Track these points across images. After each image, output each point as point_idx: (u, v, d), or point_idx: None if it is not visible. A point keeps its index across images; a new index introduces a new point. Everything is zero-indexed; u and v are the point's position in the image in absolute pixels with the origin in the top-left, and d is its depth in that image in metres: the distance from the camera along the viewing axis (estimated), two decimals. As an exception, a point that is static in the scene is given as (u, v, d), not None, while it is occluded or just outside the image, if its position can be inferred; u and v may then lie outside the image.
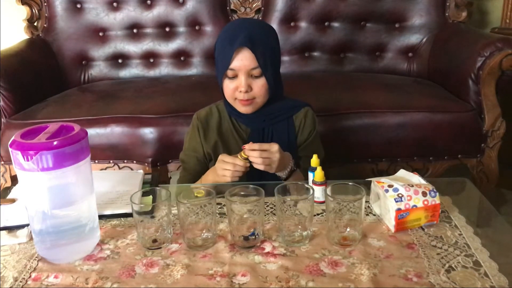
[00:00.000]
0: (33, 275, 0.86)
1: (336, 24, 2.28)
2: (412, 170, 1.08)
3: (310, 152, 1.15)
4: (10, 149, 0.83)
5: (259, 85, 1.21)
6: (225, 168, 1.14)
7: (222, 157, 1.16)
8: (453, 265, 0.85)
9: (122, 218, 1.05)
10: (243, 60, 1.18)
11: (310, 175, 1.09)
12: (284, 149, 1.20)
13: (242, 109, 1.25)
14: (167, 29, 2.35)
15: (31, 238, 0.95)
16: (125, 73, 2.39)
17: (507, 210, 1.95)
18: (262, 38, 1.20)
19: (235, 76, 1.21)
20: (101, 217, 1.01)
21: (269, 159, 1.13)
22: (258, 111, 1.26)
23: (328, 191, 0.93)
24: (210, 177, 1.23)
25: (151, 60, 2.38)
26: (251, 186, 0.95)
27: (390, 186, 0.98)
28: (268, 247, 0.92)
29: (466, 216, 1.02)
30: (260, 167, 1.13)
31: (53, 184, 0.85)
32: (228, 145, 1.31)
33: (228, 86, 1.23)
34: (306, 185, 0.96)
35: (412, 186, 0.97)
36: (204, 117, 1.33)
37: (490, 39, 1.81)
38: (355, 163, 1.82)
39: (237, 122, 1.32)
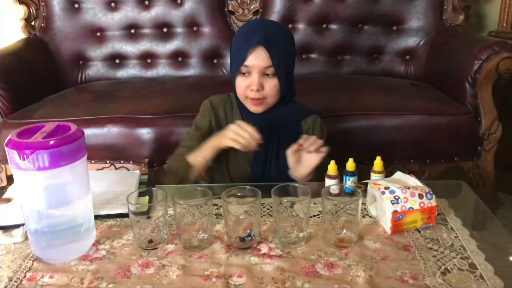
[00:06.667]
0: (28, 275, 0.86)
1: (334, 26, 2.29)
2: (409, 172, 1.08)
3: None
4: (6, 148, 0.83)
5: (271, 85, 1.22)
6: (241, 135, 1.15)
7: (240, 123, 1.18)
8: (449, 268, 0.85)
9: (118, 218, 1.05)
10: (258, 58, 1.19)
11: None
12: None
13: (253, 108, 1.26)
14: (165, 30, 2.34)
15: (26, 238, 0.95)
16: (122, 73, 2.38)
17: (503, 213, 1.96)
18: (278, 40, 1.22)
19: (248, 74, 1.21)
20: (97, 217, 1.00)
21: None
22: (268, 111, 1.27)
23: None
24: (212, 141, 1.23)
25: (149, 61, 2.38)
26: (248, 187, 0.95)
27: (386, 188, 0.98)
28: (264, 248, 0.92)
29: (462, 218, 1.02)
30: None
31: (49, 183, 0.85)
32: None
33: (240, 84, 1.23)
34: (303, 187, 0.96)
35: (409, 188, 0.97)
36: (217, 103, 1.34)
37: (487, 42, 1.82)
38: (352, 165, 1.82)
39: (247, 118, 1.32)
